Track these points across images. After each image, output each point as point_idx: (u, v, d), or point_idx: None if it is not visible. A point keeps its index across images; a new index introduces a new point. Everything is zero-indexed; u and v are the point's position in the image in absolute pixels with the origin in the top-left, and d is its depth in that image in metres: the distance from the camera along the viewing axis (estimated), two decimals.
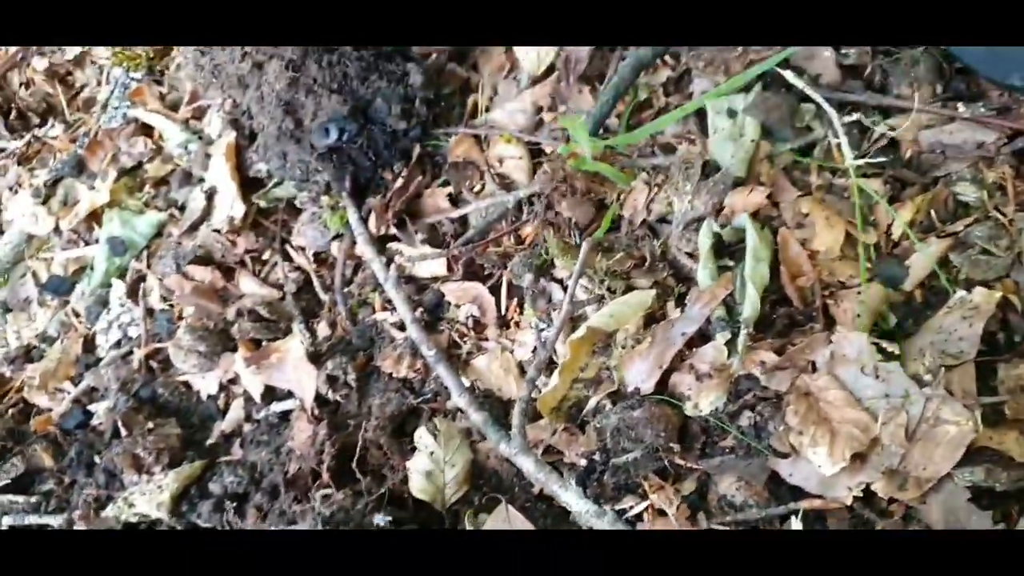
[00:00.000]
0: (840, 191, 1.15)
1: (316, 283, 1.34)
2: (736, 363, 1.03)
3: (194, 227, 1.42)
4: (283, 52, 1.29)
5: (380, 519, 0.98)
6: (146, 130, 1.56)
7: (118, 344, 1.35)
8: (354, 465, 1.07)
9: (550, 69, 1.39)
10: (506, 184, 1.32)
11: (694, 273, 1.12)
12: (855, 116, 1.19)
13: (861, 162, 1.11)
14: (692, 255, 1.13)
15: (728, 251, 1.12)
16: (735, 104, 1.19)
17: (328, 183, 1.34)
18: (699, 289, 1.08)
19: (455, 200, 1.35)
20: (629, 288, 1.12)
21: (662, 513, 1.03)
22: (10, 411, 1.36)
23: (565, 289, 1.18)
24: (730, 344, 1.05)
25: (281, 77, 1.28)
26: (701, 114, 1.25)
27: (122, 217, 1.43)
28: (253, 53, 1.31)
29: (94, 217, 1.49)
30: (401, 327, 1.26)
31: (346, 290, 1.32)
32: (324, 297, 1.33)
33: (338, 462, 1.11)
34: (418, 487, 1.09)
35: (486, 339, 1.21)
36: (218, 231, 1.36)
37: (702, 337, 1.09)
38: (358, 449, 1.09)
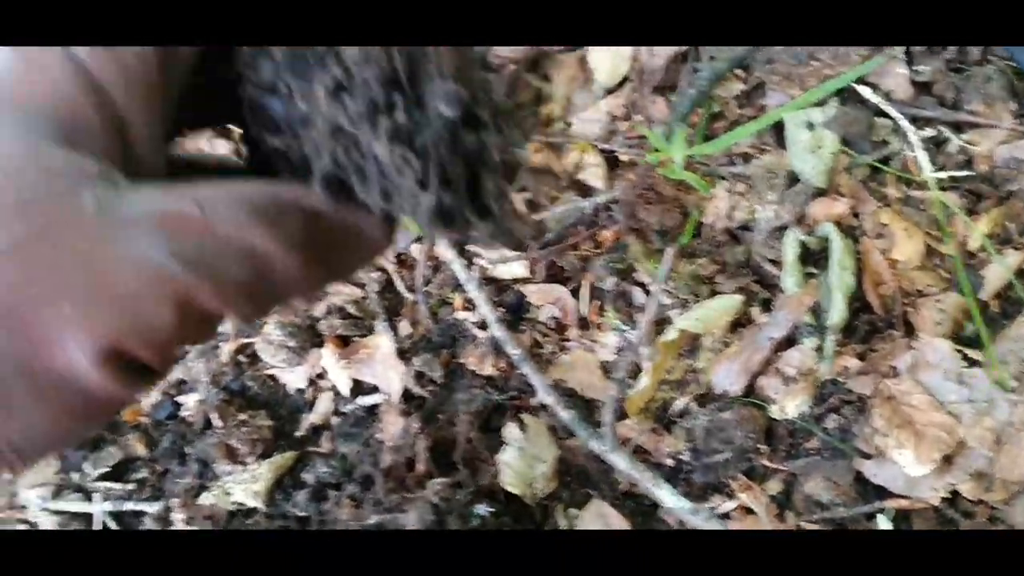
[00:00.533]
0: (916, 203, 1.19)
1: (398, 283, 1.38)
2: (825, 367, 1.07)
3: None
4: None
5: (482, 509, 1.02)
6: (224, 132, 1.60)
7: None
8: (455, 457, 1.11)
9: (623, 80, 1.44)
10: (583, 191, 1.36)
11: (777, 279, 1.17)
12: (929, 131, 1.23)
13: (940, 175, 1.15)
14: (775, 262, 1.17)
15: (811, 259, 1.16)
16: (813, 117, 1.23)
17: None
18: (786, 295, 1.12)
19: (532, 205, 1.39)
20: (713, 293, 1.17)
21: (750, 511, 1.07)
22: None
23: (647, 293, 1.23)
24: (817, 349, 1.09)
25: None
26: (775, 126, 1.30)
27: None
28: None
29: None
30: (482, 326, 1.30)
31: (427, 290, 1.36)
32: (406, 296, 1.36)
33: (432, 455, 1.14)
34: (509, 481, 1.13)
35: (568, 340, 1.25)
36: None
37: (786, 342, 1.13)
38: (456, 442, 1.13)
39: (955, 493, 1.00)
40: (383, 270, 1.41)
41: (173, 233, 0.37)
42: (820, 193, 1.19)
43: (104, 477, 1.26)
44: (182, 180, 0.41)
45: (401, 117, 0.40)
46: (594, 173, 1.35)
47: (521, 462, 1.14)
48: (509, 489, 1.13)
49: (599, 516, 1.07)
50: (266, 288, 0.42)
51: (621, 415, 1.14)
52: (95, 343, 0.36)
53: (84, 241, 0.36)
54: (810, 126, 1.22)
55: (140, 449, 1.28)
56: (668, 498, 1.01)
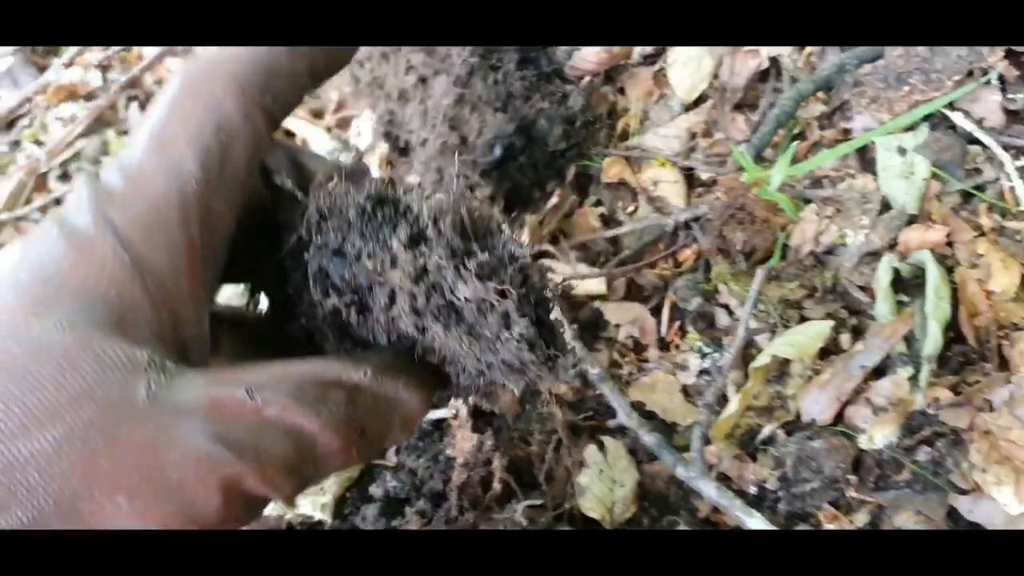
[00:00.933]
0: (1012, 234, 1.16)
1: None
2: (920, 399, 1.04)
3: None
4: (450, 68, 1.31)
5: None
6: (289, 136, 1.59)
7: None
8: (535, 477, 1.09)
9: (701, 96, 1.42)
10: (659, 208, 1.34)
11: (866, 306, 1.14)
12: (1022, 161, 1.20)
13: None
14: (864, 288, 1.15)
15: (903, 287, 1.13)
16: (905, 142, 1.21)
17: (481, 200, 1.36)
18: (879, 323, 1.09)
19: (607, 220, 1.37)
20: (802, 318, 1.14)
21: None
22: None
23: (730, 315, 1.20)
24: (911, 379, 1.06)
25: (449, 93, 1.30)
26: (859, 150, 1.27)
27: None
28: (419, 67, 1.34)
29: None
30: None
31: None
32: None
33: (506, 474, 1.12)
34: (588, 504, 1.10)
35: (646, 361, 1.22)
36: None
37: (875, 371, 1.10)
38: (531, 462, 1.11)
39: None
40: None
41: (221, 420, 0.40)
42: (912, 220, 1.16)
43: None
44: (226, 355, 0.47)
45: (484, 257, 0.44)
46: (673, 190, 1.33)
47: (600, 485, 1.12)
48: (588, 513, 1.11)
49: None
50: (309, 466, 0.44)
51: (705, 440, 1.11)
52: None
53: (136, 432, 0.38)
54: (902, 151, 1.19)
55: None
56: (759, 527, 0.98)
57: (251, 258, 0.52)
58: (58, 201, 1.68)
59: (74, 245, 0.41)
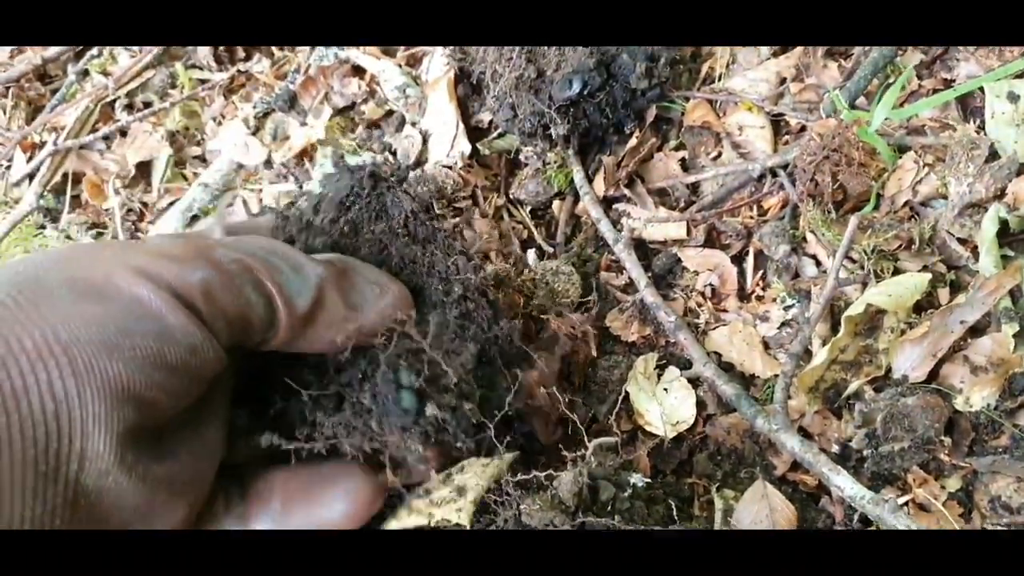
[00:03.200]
0: None
1: (538, 238, 1.31)
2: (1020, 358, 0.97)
3: (410, 170, 1.40)
4: None
5: (637, 479, 0.94)
6: (358, 72, 1.54)
7: None
8: (611, 420, 1.04)
9: None
10: (744, 153, 1.27)
11: (965, 260, 1.07)
12: None
13: None
14: (964, 241, 1.07)
15: (1008, 240, 1.05)
16: (1017, 88, 1.12)
17: (555, 138, 1.30)
18: (982, 277, 1.02)
19: (687, 165, 1.30)
20: (896, 271, 1.07)
21: (924, 508, 0.98)
22: None
23: (818, 265, 1.14)
24: (1017, 337, 0.99)
25: None
26: (962, 99, 1.19)
27: (337, 155, 1.42)
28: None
29: (305, 154, 1.48)
30: (626, 290, 1.22)
31: (568, 248, 1.29)
32: (548, 250, 1.29)
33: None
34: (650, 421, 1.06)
35: (725, 310, 1.16)
36: (448, 167, 1.33)
37: (974, 328, 1.03)
38: (610, 407, 1.06)
39: None
40: (523, 224, 1.34)
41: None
42: (1022, 170, 1.08)
43: None
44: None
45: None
46: (759, 135, 1.26)
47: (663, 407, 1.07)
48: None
49: (761, 498, 0.98)
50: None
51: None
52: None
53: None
54: (1014, 97, 1.11)
55: None
56: (847, 485, 0.91)
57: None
58: (123, 132, 1.66)
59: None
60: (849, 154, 1.05)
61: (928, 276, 1.04)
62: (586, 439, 1.01)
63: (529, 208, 1.36)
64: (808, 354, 1.06)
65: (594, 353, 1.14)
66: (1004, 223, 1.04)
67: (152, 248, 0.56)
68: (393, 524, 1.00)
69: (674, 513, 0.96)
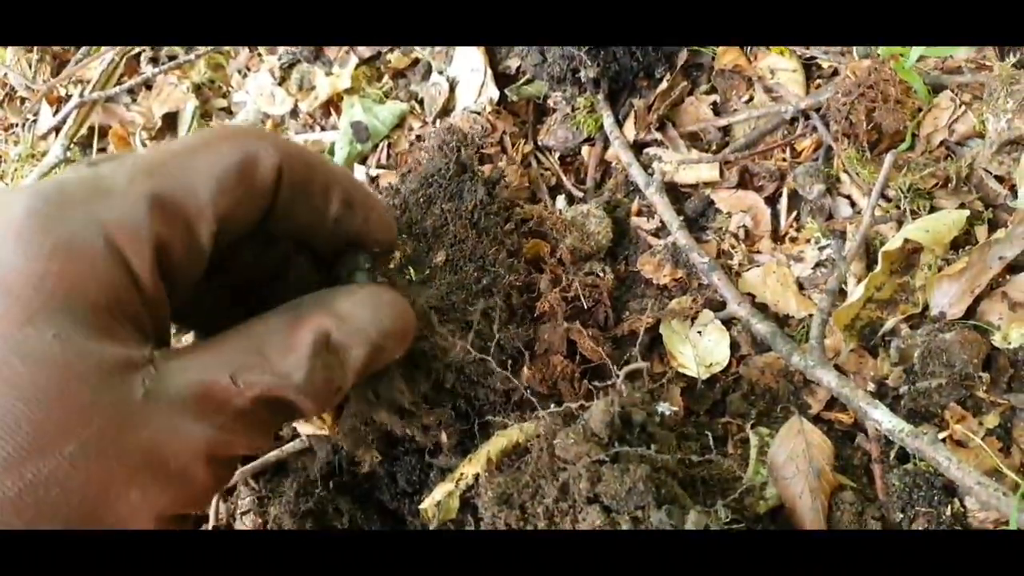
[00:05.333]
0: None
1: (568, 183, 1.31)
2: None
3: (437, 118, 1.39)
4: None
5: (664, 408, 0.94)
6: None
7: None
8: (635, 350, 1.03)
9: None
10: (775, 97, 1.26)
11: (1003, 199, 1.06)
12: None
13: None
14: (1002, 180, 1.06)
15: None
16: None
17: (584, 82, 1.30)
18: (1022, 212, 1.01)
19: (719, 110, 1.29)
20: (932, 209, 1.06)
21: (962, 444, 0.97)
22: None
23: (853, 206, 1.13)
24: None
25: None
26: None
27: (364, 104, 1.41)
28: None
29: (332, 104, 1.47)
30: (657, 234, 1.22)
31: (599, 192, 1.28)
32: (577, 196, 1.29)
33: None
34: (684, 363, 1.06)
35: (759, 252, 1.16)
36: (477, 112, 1.33)
37: (1015, 265, 1.02)
38: (642, 348, 1.06)
39: None
40: (551, 170, 1.34)
41: (212, 408, 0.45)
42: None
43: None
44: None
45: None
46: (791, 78, 1.25)
47: (702, 372, 1.07)
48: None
49: (797, 433, 0.98)
50: (287, 421, 0.57)
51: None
52: (156, 519, 0.44)
53: (140, 432, 0.42)
54: None
55: None
56: (885, 418, 0.91)
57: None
58: (148, 85, 1.66)
59: (62, 246, 0.42)
60: (885, 91, 1.04)
61: (966, 213, 1.03)
62: (615, 371, 1.01)
63: (558, 154, 1.36)
64: (844, 293, 1.06)
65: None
66: None
67: None
68: (427, 502, 1.02)
69: (710, 445, 0.96)
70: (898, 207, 1.07)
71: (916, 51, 1.04)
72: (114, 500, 0.41)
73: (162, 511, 0.44)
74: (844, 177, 1.13)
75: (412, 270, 1.15)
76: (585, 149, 1.34)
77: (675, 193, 1.25)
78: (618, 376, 0.95)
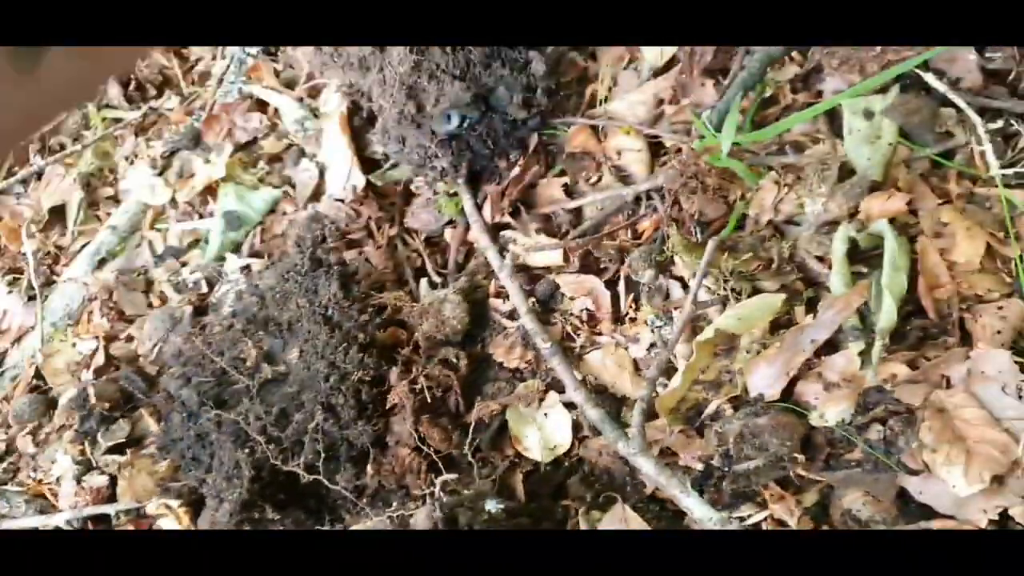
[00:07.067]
0: (981, 201, 1.10)
1: (430, 267, 1.34)
2: (870, 375, 1.00)
3: (308, 203, 1.43)
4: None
5: (492, 505, 0.98)
6: (261, 106, 1.57)
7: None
8: (466, 450, 1.07)
9: (671, 61, 1.37)
10: (623, 177, 1.30)
11: (823, 278, 1.09)
12: (999, 123, 1.14)
13: (1007, 171, 1.07)
14: (822, 259, 1.10)
15: (862, 257, 1.08)
16: (872, 105, 1.15)
17: (444, 169, 1.33)
18: (832, 295, 1.05)
19: (570, 191, 1.33)
20: (755, 290, 1.10)
21: (782, 524, 1.01)
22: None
23: (685, 287, 1.17)
24: (863, 354, 1.02)
25: (405, 61, 1.28)
26: (830, 113, 1.22)
27: (238, 192, 1.45)
28: None
29: (209, 191, 1.51)
30: (511, 316, 1.25)
31: (459, 276, 1.32)
32: (437, 281, 1.32)
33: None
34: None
35: (600, 334, 1.19)
36: (341, 200, 1.37)
37: (830, 345, 1.06)
38: (469, 434, 1.10)
39: (1005, 516, 0.93)
40: (418, 252, 1.37)
41: None
42: (876, 187, 1.11)
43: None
44: None
45: None
46: (636, 159, 1.29)
47: (545, 460, 1.10)
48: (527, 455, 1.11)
49: (620, 520, 1.01)
50: None
51: (651, 415, 1.08)
52: None
53: None
54: (868, 114, 1.14)
55: (153, 425, 1.28)
56: (696, 507, 0.95)
57: None
58: (39, 174, 1.69)
59: None
60: (704, 181, 1.08)
61: (781, 297, 1.07)
62: (432, 478, 1.05)
63: (424, 236, 1.39)
64: (672, 375, 1.09)
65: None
66: (854, 242, 1.07)
67: None
68: None
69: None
70: (723, 290, 1.10)
71: (726, 142, 1.08)
72: None
73: None
74: (677, 260, 1.17)
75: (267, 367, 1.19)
76: (448, 231, 1.38)
77: (530, 274, 1.29)
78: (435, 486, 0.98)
